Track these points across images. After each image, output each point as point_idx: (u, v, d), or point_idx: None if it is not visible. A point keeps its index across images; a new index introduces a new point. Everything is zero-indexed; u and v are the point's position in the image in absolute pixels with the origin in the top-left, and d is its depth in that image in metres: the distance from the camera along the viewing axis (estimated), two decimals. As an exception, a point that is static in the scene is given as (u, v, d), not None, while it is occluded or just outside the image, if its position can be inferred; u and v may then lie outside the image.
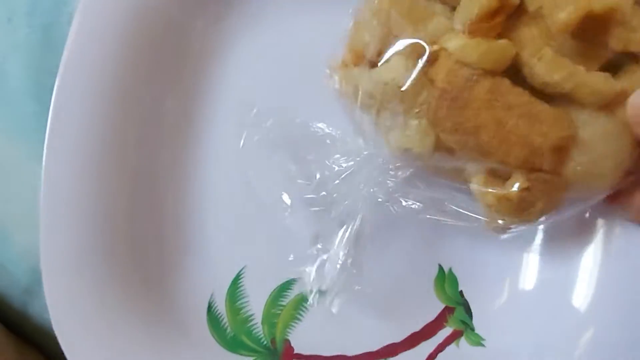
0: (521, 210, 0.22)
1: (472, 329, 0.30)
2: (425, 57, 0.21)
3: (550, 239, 0.29)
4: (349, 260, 0.28)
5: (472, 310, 0.30)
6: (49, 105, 0.28)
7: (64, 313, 0.28)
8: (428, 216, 0.26)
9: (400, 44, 0.22)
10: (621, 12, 0.20)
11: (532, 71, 0.21)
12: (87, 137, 0.28)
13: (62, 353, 0.30)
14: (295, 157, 0.27)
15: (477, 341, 0.30)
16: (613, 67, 0.22)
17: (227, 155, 0.30)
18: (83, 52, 0.27)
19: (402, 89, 0.22)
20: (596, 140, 0.21)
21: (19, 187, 0.28)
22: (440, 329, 0.30)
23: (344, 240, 0.27)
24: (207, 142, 0.30)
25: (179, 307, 0.30)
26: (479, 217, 0.24)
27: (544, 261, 0.30)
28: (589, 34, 0.21)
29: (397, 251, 0.30)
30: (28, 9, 0.30)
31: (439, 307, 0.30)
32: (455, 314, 0.30)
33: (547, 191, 0.22)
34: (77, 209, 0.28)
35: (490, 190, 0.22)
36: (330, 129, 0.26)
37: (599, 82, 0.21)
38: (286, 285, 0.30)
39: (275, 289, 0.30)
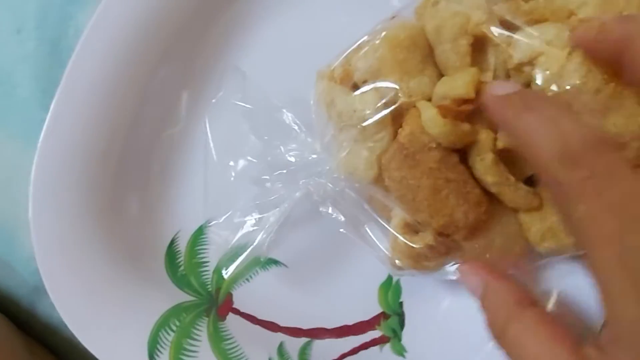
0: (417, 261, 0.26)
1: (399, 339, 0.31)
2: (394, 106, 0.24)
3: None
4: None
5: (405, 323, 0.31)
6: None
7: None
8: (342, 230, 0.28)
9: (381, 83, 0.24)
10: None
11: (473, 166, 0.24)
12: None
13: (71, 351, 0.33)
14: (258, 132, 0.29)
15: (400, 351, 0.31)
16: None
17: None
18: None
19: (364, 124, 0.24)
20: (498, 234, 0.25)
21: (26, 192, 0.29)
22: (370, 330, 0.32)
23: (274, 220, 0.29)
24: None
25: (145, 237, 0.32)
26: (385, 251, 0.27)
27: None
28: None
29: (356, 249, 0.31)
30: (36, 22, 0.32)
31: (377, 310, 0.32)
32: (389, 321, 0.32)
33: (443, 254, 0.26)
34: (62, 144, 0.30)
35: (401, 236, 0.26)
36: (298, 122, 0.28)
37: (518, 196, 0.24)
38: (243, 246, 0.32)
39: (232, 247, 0.32)
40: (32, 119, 0.32)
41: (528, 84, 0.24)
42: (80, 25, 0.32)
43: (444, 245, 0.25)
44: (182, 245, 0.32)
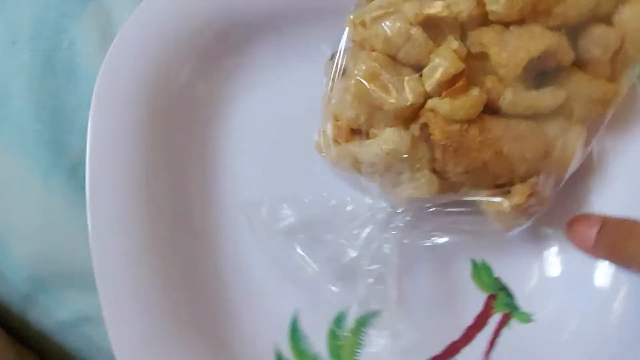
0: (527, 212, 0.27)
1: (518, 309, 0.32)
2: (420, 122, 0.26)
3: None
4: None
5: (513, 293, 0.32)
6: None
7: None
8: (441, 240, 0.29)
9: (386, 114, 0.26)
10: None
11: (501, 109, 0.26)
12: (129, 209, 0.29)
13: (63, 358, 0.32)
14: (314, 237, 0.30)
15: (527, 318, 0.32)
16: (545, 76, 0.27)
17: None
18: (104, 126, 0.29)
19: (404, 155, 0.26)
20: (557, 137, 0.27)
21: (19, 200, 0.29)
22: (489, 317, 0.32)
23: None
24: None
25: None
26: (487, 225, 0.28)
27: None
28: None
29: (429, 262, 0.32)
30: (31, 34, 0.33)
31: (483, 297, 0.33)
32: (499, 299, 0.32)
33: (541, 193, 0.27)
34: (132, 281, 0.29)
35: (500, 201, 0.27)
36: (334, 200, 0.29)
37: (547, 99, 0.26)
38: (340, 317, 0.32)
39: (331, 322, 0.32)
40: (26, 130, 0.32)
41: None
42: (74, 38, 0.32)
43: (535, 184, 0.26)
44: (288, 353, 0.31)
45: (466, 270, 0.33)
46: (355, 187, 0.27)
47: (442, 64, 0.25)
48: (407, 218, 0.28)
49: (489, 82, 0.26)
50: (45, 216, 0.32)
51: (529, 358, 0.31)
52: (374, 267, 0.28)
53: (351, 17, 0.26)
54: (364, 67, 0.25)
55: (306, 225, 0.30)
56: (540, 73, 0.27)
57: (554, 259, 0.32)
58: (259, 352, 0.31)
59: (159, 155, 0.31)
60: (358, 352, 0.32)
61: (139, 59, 0.30)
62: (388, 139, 0.25)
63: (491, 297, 0.32)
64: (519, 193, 0.26)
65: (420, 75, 0.26)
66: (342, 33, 0.27)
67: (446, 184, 0.27)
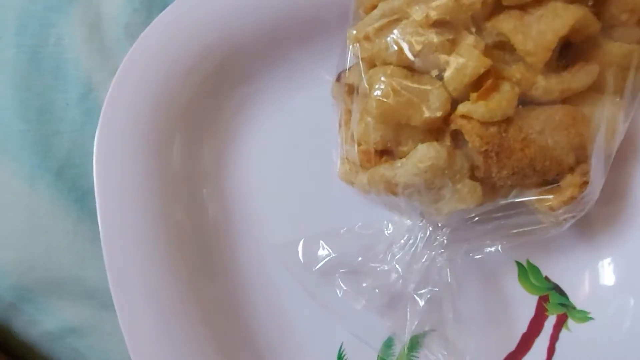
0: (581, 203, 0.25)
1: (574, 308, 0.30)
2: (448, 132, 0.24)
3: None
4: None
5: (565, 291, 0.31)
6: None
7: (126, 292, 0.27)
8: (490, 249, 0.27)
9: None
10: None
11: (532, 98, 0.24)
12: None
13: None
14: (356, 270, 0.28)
15: (584, 317, 0.30)
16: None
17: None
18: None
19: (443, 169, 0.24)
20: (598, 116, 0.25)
21: (2, 204, 0.28)
22: (544, 320, 0.30)
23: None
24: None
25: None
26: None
27: (607, 221, 0.31)
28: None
29: (474, 273, 0.31)
30: (17, 29, 0.31)
31: (534, 300, 0.31)
32: (551, 300, 0.30)
33: (593, 179, 0.25)
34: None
35: (554, 198, 0.25)
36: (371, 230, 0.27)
37: (581, 79, 0.24)
38: (388, 343, 0.30)
39: (380, 349, 0.30)
40: (10, 131, 0.30)
41: None
42: (62, 34, 0.31)
43: (586, 171, 0.25)
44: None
45: (512, 274, 0.31)
46: (392, 209, 0.25)
47: (467, 65, 0.23)
48: (448, 231, 0.26)
49: (517, 72, 0.24)
50: (31, 221, 0.30)
51: (593, 357, 0.29)
52: (424, 290, 0.26)
53: (353, 31, 0.24)
54: (382, 86, 0.23)
55: (346, 258, 0.28)
56: (563, 47, 0.25)
57: (604, 250, 0.30)
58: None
59: (171, 188, 0.29)
60: (410, 377, 0.30)
61: (143, 90, 0.28)
62: (424, 155, 0.23)
63: (542, 299, 0.30)
64: (571, 185, 0.24)
65: (441, 79, 0.24)
66: (344, 51, 0.25)
67: (489, 189, 0.25)
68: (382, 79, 0.24)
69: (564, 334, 0.30)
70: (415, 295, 0.26)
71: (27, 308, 0.31)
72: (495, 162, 0.23)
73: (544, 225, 0.26)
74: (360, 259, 0.27)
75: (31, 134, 0.30)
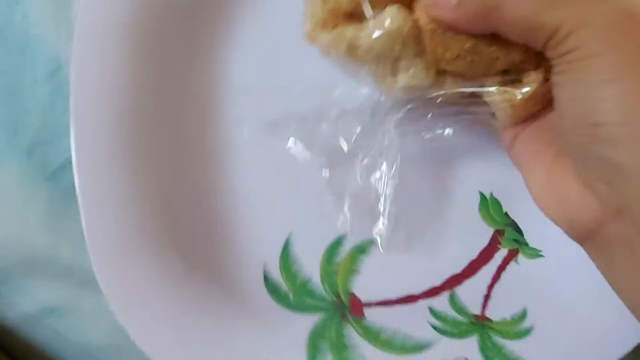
0: (543, 101, 0.24)
1: (527, 244, 0.30)
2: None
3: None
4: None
5: (522, 228, 0.31)
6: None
7: (121, 301, 0.27)
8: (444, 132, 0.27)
9: None
10: None
11: None
12: (114, 124, 0.27)
13: (28, 353, 0.30)
14: (307, 128, 0.28)
15: (535, 254, 0.30)
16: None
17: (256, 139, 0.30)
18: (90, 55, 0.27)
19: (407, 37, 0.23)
20: None
21: None
22: (495, 252, 0.30)
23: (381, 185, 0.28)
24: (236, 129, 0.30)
25: (235, 284, 0.29)
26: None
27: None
28: None
29: (435, 188, 0.31)
30: None
31: (490, 231, 0.31)
32: (506, 234, 0.30)
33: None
34: (116, 202, 0.27)
35: (510, 91, 0.24)
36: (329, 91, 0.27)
37: None
38: (337, 243, 0.30)
39: (327, 248, 0.30)
40: None
41: None
42: (27, 10, 0.30)
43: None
44: (276, 274, 0.30)
45: (474, 203, 0.31)
46: (351, 75, 0.25)
47: None
48: (408, 107, 0.26)
49: None
50: (3, 201, 0.30)
51: (535, 292, 0.29)
52: (365, 160, 0.26)
53: None
54: None
55: (298, 115, 0.28)
56: None
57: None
58: (247, 270, 0.29)
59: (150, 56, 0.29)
60: (353, 280, 0.30)
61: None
62: (392, 17, 0.22)
63: (498, 232, 0.30)
64: (533, 81, 0.23)
65: None
66: None
67: (449, 75, 0.24)
68: None
69: (511, 265, 0.30)
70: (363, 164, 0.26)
71: (4, 290, 0.31)
72: (441, 41, 0.22)
73: (500, 119, 0.25)
74: (312, 119, 0.27)
75: (0, 113, 0.30)
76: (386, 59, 0.24)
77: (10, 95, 0.30)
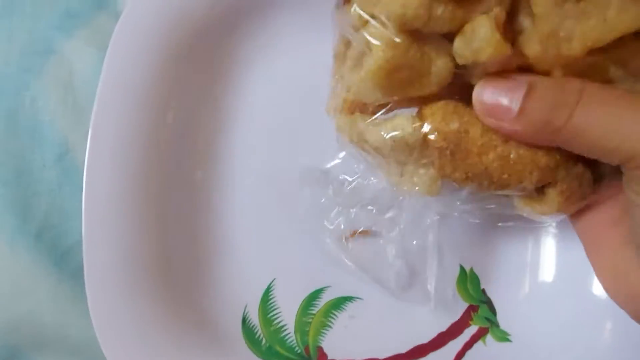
0: (570, 203, 0.23)
1: (497, 326, 0.31)
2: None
3: (564, 229, 0.30)
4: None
5: (496, 307, 0.31)
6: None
7: (110, 332, 0.29)
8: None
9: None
10: None
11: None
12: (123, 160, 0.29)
13: None
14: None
15: (503, 337, 0.31)
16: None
17: (255, 169, 0.32)
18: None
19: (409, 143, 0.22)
20: None
21: None
22: (466, 328, 0.31)
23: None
24: (235, 159, 0.32)
25: (214, 323, 0.31)
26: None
27: (561, 253, 0.31)
28: None
29: (416, 252, 0.31)
30: None
31: (463, 306, 0.31)
32: (480, 312, 0.31)
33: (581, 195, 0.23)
34: (113, 232, 0.29)
35: (538, 206, 0.23)
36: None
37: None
38: (315, 294, 0.32)
39: (304, 299, 0.32)
40: None
41: None
42: (36, 95, 0.31)
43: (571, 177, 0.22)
44: (255, 318, 0.31)
45: (453, 274, 0.32)
46: (364, 162, 0.26)
47: (482, 48, 0.19)
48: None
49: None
50: (14, 283, 0.31)
51: (496, 377, 0.30)
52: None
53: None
54: (381, 54, 0.20)
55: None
56: None
57: (547, 280, 0.31)
58: (228, 310, 0.31)
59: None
60: (324, 333, 0.31)
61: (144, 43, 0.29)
62: (398, 125, 0.22)
63: (472, 308, 0.31)
64: (550, 201, 0.22)
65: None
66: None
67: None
68: (383, 46, 0.20)
69: (478, 345, 0.31)
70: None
71: None
72: (449, 161, 0.22)
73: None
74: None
75: (10, 196, 0.31)
76: (393, 160, 0.23)
77: (19, 178, 0.31)
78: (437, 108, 0.22)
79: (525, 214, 0.24)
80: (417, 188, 0.24)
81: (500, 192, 0.23)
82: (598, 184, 0.23)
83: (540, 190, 0.23)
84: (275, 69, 0.32)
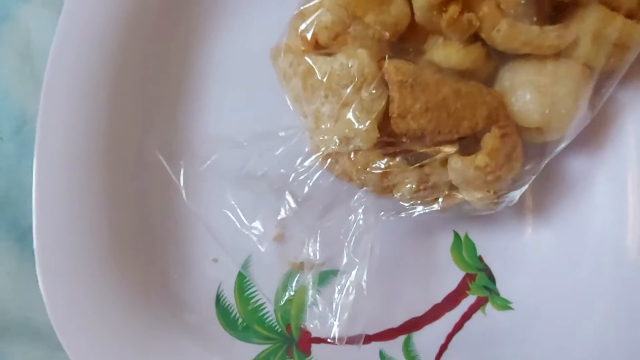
0: (508, 157, 0.24)
1: (497, 294, 0.28)
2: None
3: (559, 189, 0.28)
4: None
5: (495, 275, 0.28)
6: None
7: (66, 318, 0.26)
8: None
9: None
10: None
11: (493, 42, 0.23)
12: (77, 137, 0.27)
13: None
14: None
15: (504, 305, 0.28)
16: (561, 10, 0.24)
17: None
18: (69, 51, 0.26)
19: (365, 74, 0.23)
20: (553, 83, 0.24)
21: None
22: (463, 298, 0.28)
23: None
24: (202, 125, 0.29)
25: (185, 304, 0.28)
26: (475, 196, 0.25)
27: (558, 214, 0.28)
28: None
29: (408, 223, 0.29)
30: None
31: (459, 275, 0.29)
32: (477, 280, 0.28)
33: (514, 141, 0.24)
34: (71, 213, 0.26)
35: (478, 154, 0.24)
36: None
37: (551, 38, 0.23)
38: (296, 270, 0.29)
39: (284, 274, 0.29)
40: None
41: None
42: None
43: (505, 134, 0.23)
44: (230, 297, 0.28)
45: (446, 242, 0.29)
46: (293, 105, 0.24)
47: None
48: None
49: (486, 7, 0.22)
50: None
51: (499, 348, 0.27)
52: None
53: None
54: None
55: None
56: (557, 8, 0.23)
57: (545, 244, 0.28)
58: (200, 290, 0.28)
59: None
60: (305, 310, 0.28)
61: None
62: (358, 55, 0.22)
63: (469, 277, 0.28)
64: (492, 137, 0.23)
65: None
66: None
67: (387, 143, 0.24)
68: None
69: (477, 315, 0.28)
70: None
71: None
72: (409, 93, 0.22)
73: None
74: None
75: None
76: (334, 96, 0.23)
77: None
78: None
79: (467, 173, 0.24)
80: (356, 131, 0.23)
81: (449, 141, 0.24)
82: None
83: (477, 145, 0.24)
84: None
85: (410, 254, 0.29)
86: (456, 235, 0.29)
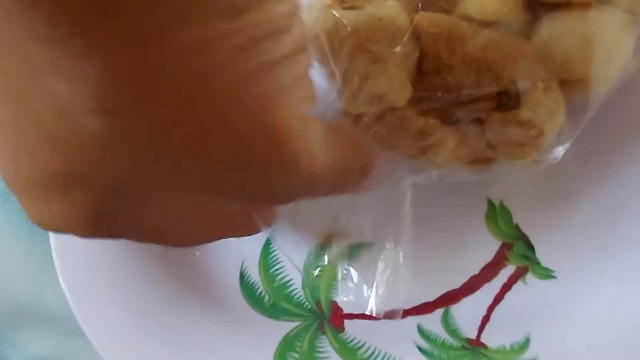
0: (551, 112, 0.22)
1: (538, 263, 0.27)
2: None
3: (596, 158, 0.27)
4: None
5: (533, 243, 0.27)
6: None
7: (84, 298, 0.25)
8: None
9: None
10: None
11: None
12: None
13: None
14: None
15: (547, 274, 0.26)
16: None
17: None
18: None
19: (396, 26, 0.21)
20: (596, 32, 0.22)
21: None
22: (501, 269, 0.27)
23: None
24: None
25: (210, 280, 0.27)
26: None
27: (596, 180, 0.27)
28: None
29: (441, 193, 0.27)
30: None
31: (496, 245, 0.27)
32: (515, 249, 0.27)
33: (557, 95, 0.22)
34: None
35: (517, 111, 0.22)
36: None
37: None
38: (323, 245, 0.27)
39: (312, 250, 0.27)
40: None
41: None
42: None
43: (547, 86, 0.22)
44: (255, 274, 0.27)
45: (481, 211, 0.27)
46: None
47: None
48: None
49: None
50: None
51: (543, 319, 0.25)
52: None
53: None
54: None
55: None
56: None
57: (587, 209, 0.26)
58: (223, 267, 0.27)
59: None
60: (335, 285, 0.27)
61: None
62: (387, 6, 0.21)
63: (506, 246, 0.27)
64: (535, 90, 0.21)
65: None
66: None
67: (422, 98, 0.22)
68: None
69: (518, 285, 0.26)
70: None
71: None
72: (445, 45, 0.21)
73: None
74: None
75: None
76: (363, 52, 0.21)
77: None
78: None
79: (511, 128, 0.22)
80: (386, 89, 0.22)
81: (487, 96, 0.22)
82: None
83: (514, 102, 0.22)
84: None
85: (442, 224, 0.27)
86: (490, 203, 0.27)
